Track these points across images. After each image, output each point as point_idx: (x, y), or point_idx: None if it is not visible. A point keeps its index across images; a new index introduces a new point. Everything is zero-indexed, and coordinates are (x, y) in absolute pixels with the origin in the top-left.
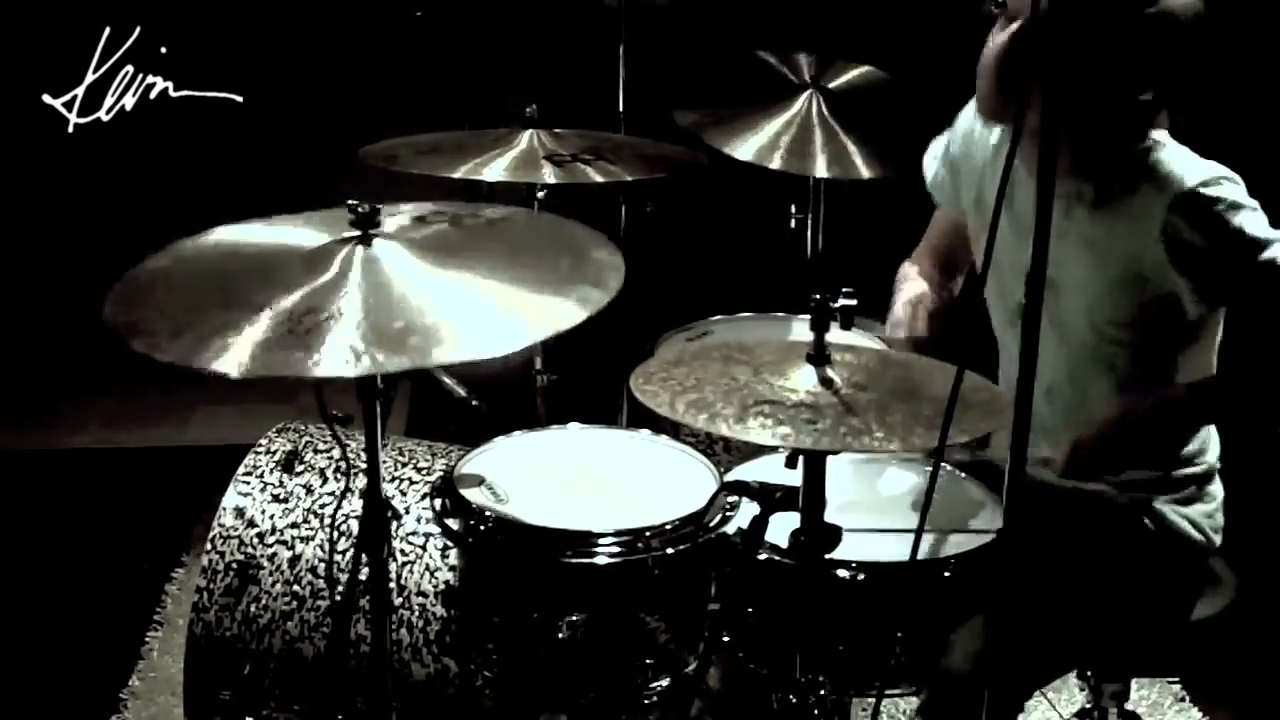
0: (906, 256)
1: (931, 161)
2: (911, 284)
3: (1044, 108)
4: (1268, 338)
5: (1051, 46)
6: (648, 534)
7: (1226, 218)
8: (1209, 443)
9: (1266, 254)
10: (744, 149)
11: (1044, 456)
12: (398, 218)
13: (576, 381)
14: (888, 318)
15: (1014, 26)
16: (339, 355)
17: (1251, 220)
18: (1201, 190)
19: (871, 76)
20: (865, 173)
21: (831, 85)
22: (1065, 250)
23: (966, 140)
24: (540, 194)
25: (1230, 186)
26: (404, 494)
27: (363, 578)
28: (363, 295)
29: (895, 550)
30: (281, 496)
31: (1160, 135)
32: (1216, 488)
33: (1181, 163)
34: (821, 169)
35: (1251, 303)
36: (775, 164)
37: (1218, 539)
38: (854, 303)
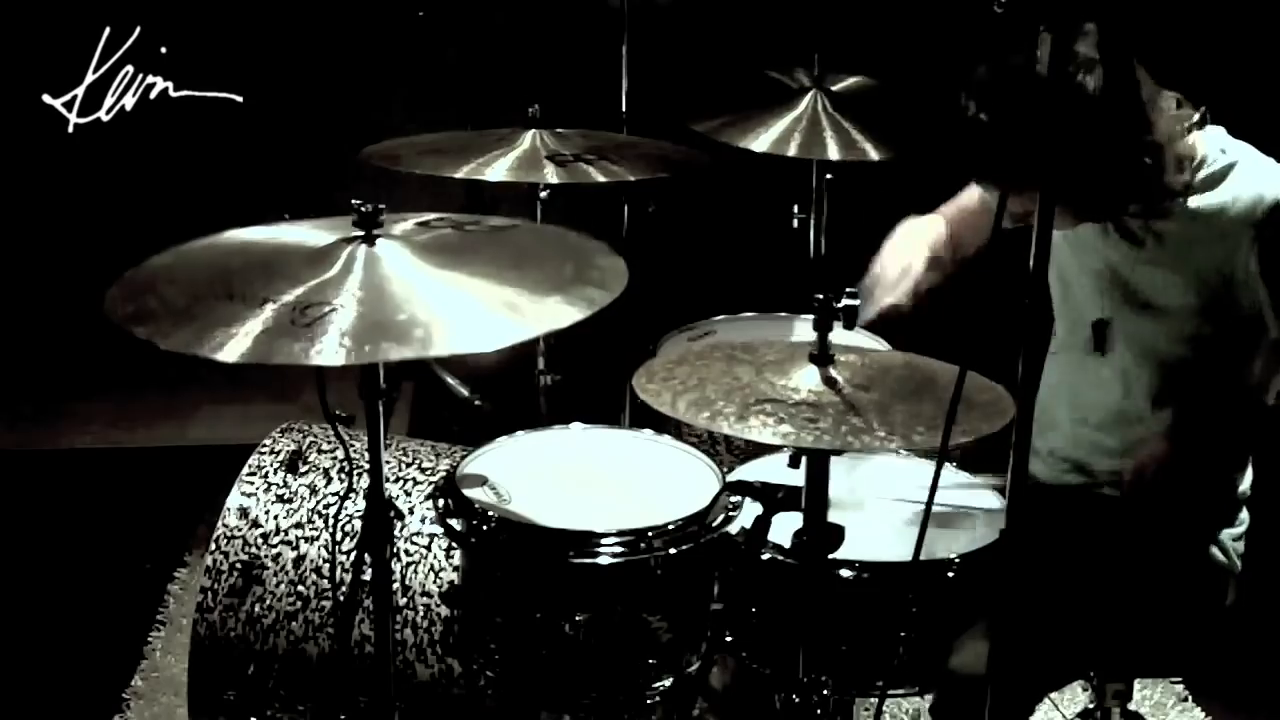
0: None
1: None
2: (915, 244)
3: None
4: None
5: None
6: (650, 534)
7: None
8: (1248, 466)
9: None
10: (758, 143)
11: (1111, 470)
12: (405, 223)
13: (579, 381)
14: (870, 269)
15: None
16: (333, 345)
17: None
18: None
19: (866, 84)
20: (874, 155)
21: (834, 88)
22: (1154, 271)
23: None
24: (543, 194)
25: None
26: (408, 494)
27: (366, 578)
28: (360, 290)
29: (899, 550)
30: (285, 497)
31: (1232, 144)
32: (1245, 514)
33: (1267, 172)
34: (834, 153)
35: None
36: (791, 151)
37: (1239, 564)
38: (857, 303)
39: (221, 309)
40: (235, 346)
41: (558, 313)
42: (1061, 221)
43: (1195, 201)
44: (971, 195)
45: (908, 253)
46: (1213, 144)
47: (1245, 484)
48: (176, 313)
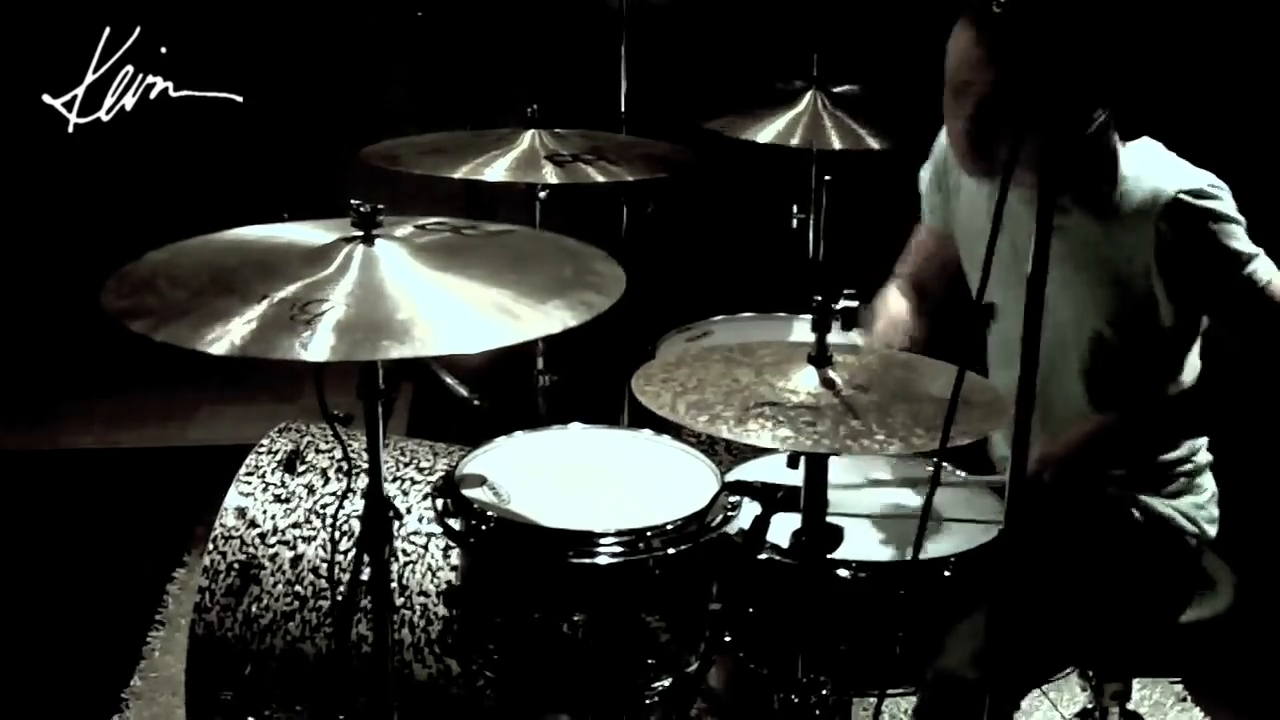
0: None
1: (925, 188)
2: (894, 303)
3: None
4: (1247, 352)
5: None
6: (649, 534)
7: (1212, 229)
8: (1196, 446)
9: (1248, 269)
10: (763, 135)
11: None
12: (405, 226)
13: (578, 381)
14: (870, 331)
15: (969, 107)
16: (327, 342)
17: (1236, 234)
18: (1189, 199)
19: (861, 90)
20: (873, 144)
21: (834, 90)
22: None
23: (951, 167)
24: (541, 194)
25: (1219, 198)
26: (406, 494)
27: (364, 578)
28: (353, 289)
29: (896, 550)
30: (283, 496)
31: (1146, 141)
32: (1207, 480)
33: (1171, 169)
34: (836, 142)
35: (1230, 318)
36: (795, 141)
37: (1212, 530)
38: (855, 304)
39: (218, 304)
40: (229, 340)
41: (553, 317)
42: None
43: (1104, 192)
44: (919, 239)
45: (894, 310)
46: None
47: (1201, 456)
48: (173, 306)
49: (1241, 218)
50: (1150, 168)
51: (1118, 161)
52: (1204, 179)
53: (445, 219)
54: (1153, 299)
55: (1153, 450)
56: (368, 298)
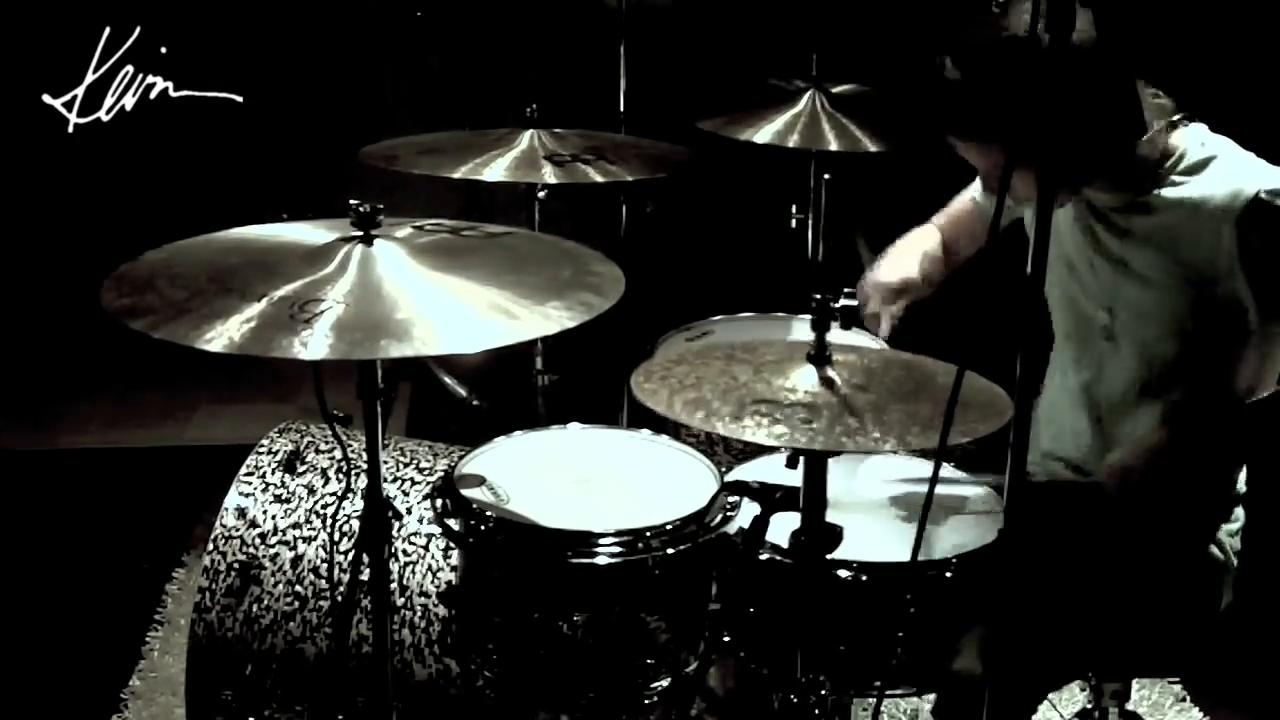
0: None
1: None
2: (911, 255)
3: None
4: None
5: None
6: (648, 534)
7: None
8: (1242, 467)
9: None
10: (760, 135)
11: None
12: (404, 228)
13: (577, 381)
14: (867, 277)
15: (992, 159)
16: (324, 341)
17: None
18: (1273, 199)
19: (860, 89)
20: (870, 147)
21: (833, 90)
22: (1122, 272)
23: None
24: (540, 194)
25: None
26: (406, 494)
27: (364, 578)
28: (352, 288)
29: (896, 550)
30: (283, 497)
31: (1212, 138)
32: (1240, 511)
33: (1246, 164)
34: (833, 144)
35: None
36: (792, 142)
37: (1235, 561)
38: (855, 303)
39: (217, 302)
40: (228, 337)
41: (551, 318)
42: (1025, 189)
43: (1174, 193)
44: (963, 200)
45: (905, 265)
46: (1193, 139)
47: (1241, 481)
48: (172, 305)
49: None
50: (1229, 164)
51: (1183, 157)
52: None
53: (443, 220)
54: (1237, 301)
55: (1224, 466)
56: (366, 297)
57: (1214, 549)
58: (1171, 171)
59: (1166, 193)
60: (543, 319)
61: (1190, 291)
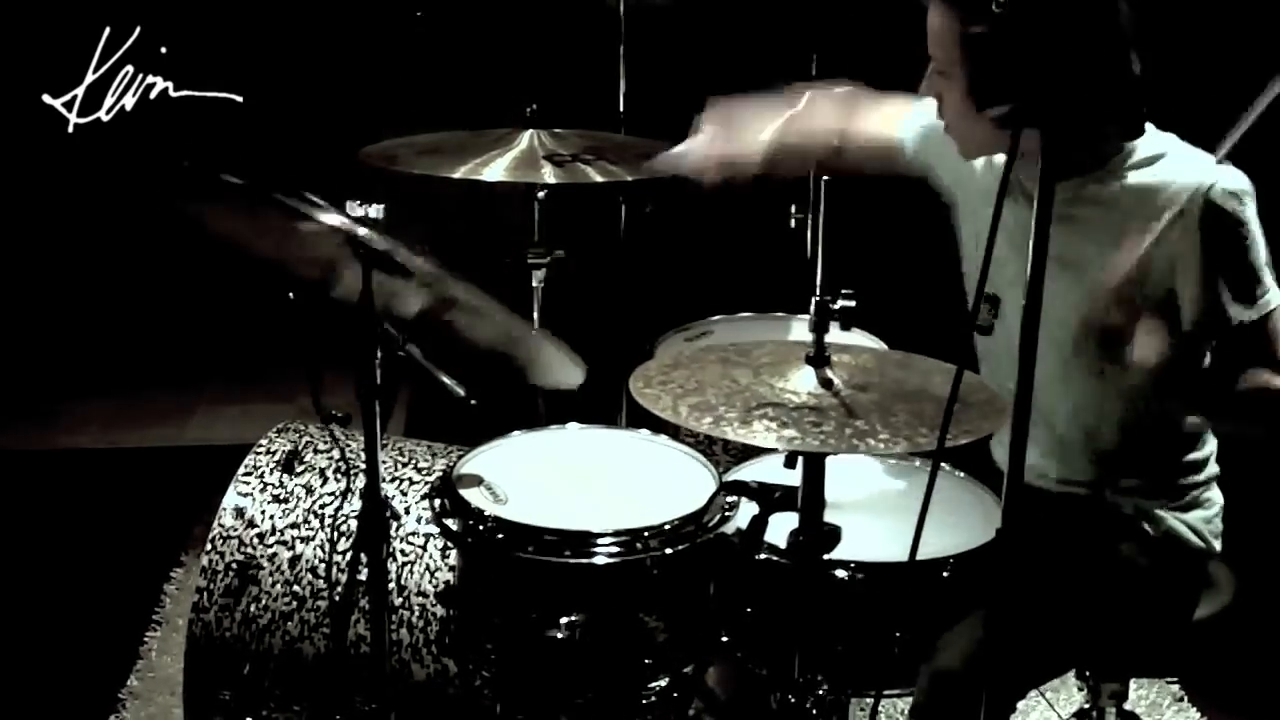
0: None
1: (919, 131)
2: (810, 115)
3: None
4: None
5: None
6: (646, 534)
7: (1243, 236)
8: (1210, 451)
9: (1262, 299)
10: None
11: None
12: None
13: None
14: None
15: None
16: None
17: (1259, 249)
18: (1222, 201)
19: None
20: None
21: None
22: (1085, 240)
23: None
24: (540, 194)
25: (1249, 203)
26: (404, 494)
27: (362, 578)
28: None
29: (894, 550)
30: (281, 497)
31: (1159, 134)
32: (1215, 494)
33: (1199, 160)
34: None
35: (1234, 347)
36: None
37: (1217, 544)
38: (854, 303)
39: None
40: None
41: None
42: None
43: (1132, 178)
44: (890, 126)
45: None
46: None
47: (1212, 464)
48: None
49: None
50: (1184, 158)
51: (1135, 155)
52: (1235, 177)
53: None
54: (1174, 293)
55: (1169, 455)
56: None
57: (1191, 535)
58: (1122, 165)
59: (1115, 186)
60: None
61: (1135, 272)
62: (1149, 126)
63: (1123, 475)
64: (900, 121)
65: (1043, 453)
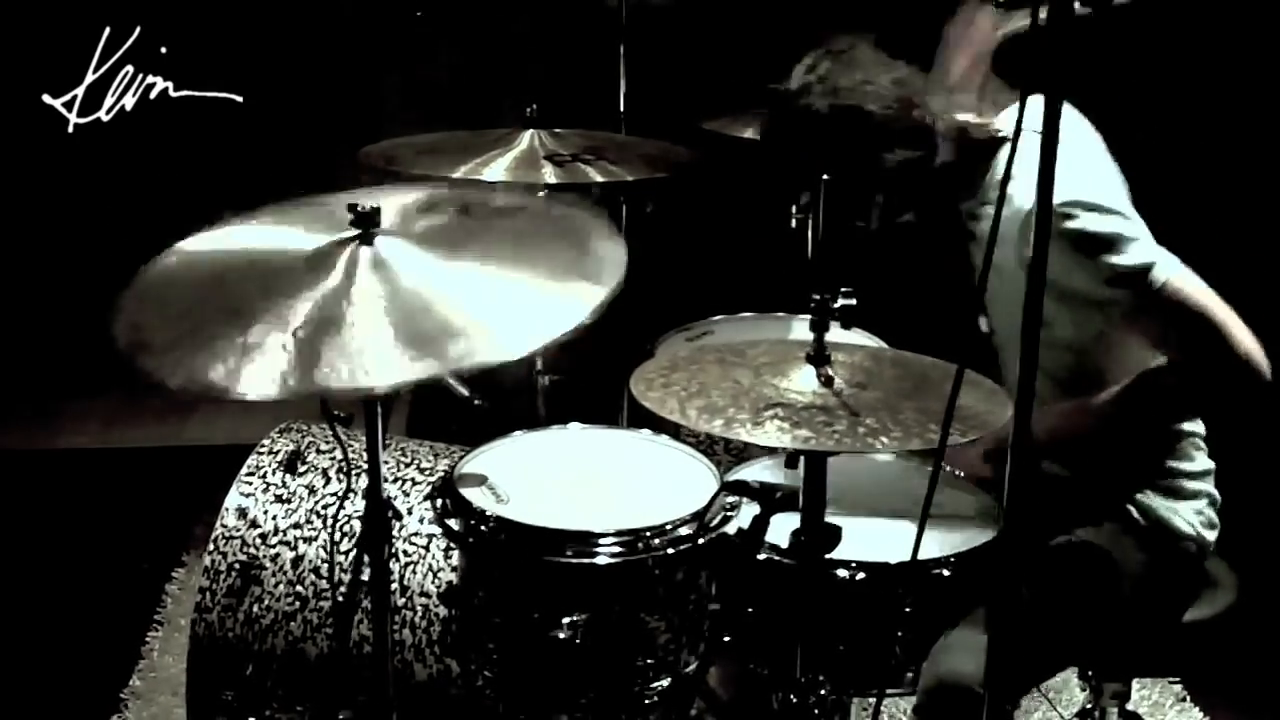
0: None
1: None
2: None
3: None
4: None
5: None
6: (648, 534)
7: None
8: (1198, 445)
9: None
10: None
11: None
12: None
13: (577, 381)
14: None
15: None
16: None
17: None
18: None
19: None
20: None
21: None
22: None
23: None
24: (541, 194)
25: (1076, 216)
26: (406, 494)
27: (365, 578)
28: (383, 301)
29: (895, 550)
30: (284, 497)
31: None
32: (1208, 486)
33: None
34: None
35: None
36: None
37: (1211, 535)
38: (854, 302)
39: (232, 342)
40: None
41: (585, 293)
42: None
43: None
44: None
45: None
46: (1007, 123)
47: (1200, 463)
48: (183, 343)
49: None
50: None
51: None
52: (1067, 192)
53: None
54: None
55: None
56: (403, 306)
57: (1184, 525)
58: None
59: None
60: (582, 296)
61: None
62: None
63: (1118, 464)
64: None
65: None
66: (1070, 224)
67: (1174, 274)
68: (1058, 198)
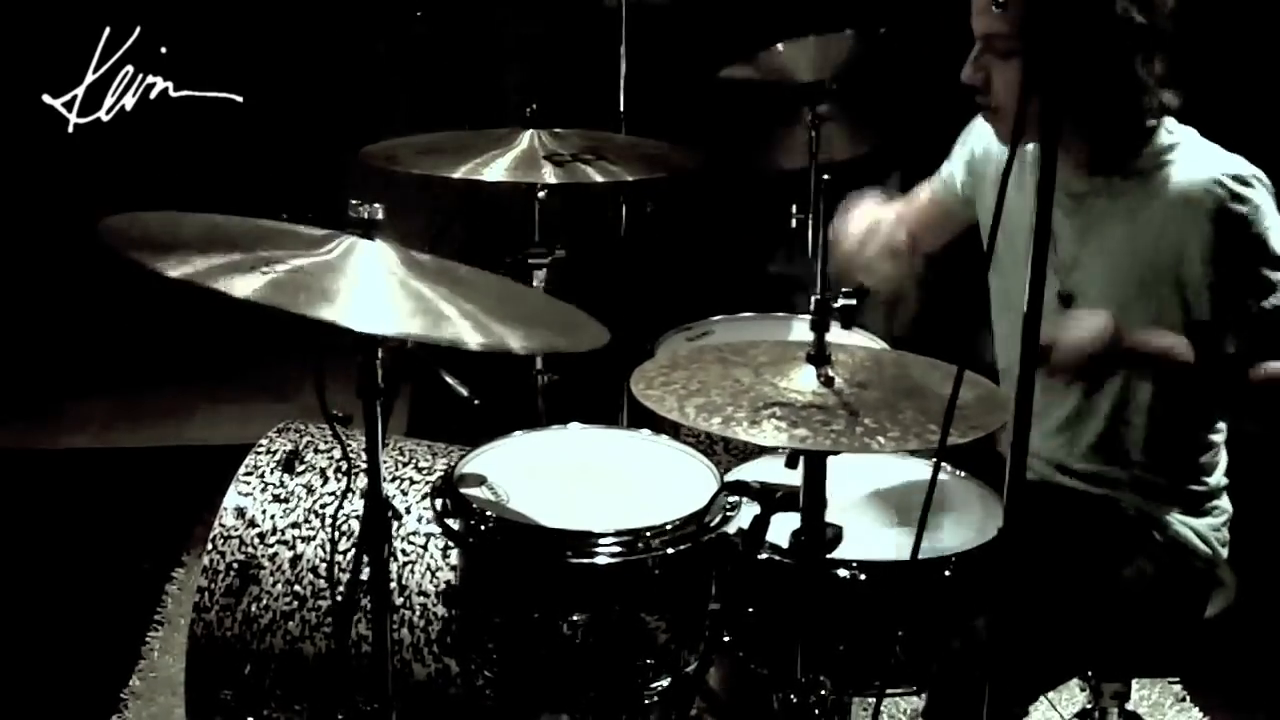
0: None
1: (955, 161)
2: (871, 210)
3: (1044, 105)
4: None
5: (1047, 46)
6: (648, 534)
7: (1254, 225)
8: (1219, 458)
9: (1270, 301)
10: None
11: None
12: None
13: (577, 381)
14: (837, 221)
15: (1015, 62)
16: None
17: (1272, 239)
18: (1231, 190)
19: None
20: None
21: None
22: (1087, 253)
23: (984, 158)
24: (540, 194)
25: (1262, 192)
26: (405, 494)
27: (364, 577)
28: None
29: (896, 550)
30: (282, 496)
31: (1179, 126)
32: (1224, 503)
33: (1214, 154)
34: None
35: (1243, 337)
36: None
37: (1224, 552)
38: (854, 302)
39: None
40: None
41: (493, 334)
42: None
43: (1150, 169)
44: (922, 194)
45: (871, 230)
46: (1161, 129)
47: (1221, 471)
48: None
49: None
50: (1199, 152)
51: (1155, 145)
52: (1244, 165)
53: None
54: (1181, 286)
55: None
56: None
57: (1198, 542)
58: (1138, 159)
59: (1135, 180)
60: (475, 331)
61: (1148, 273)
62: (1169, 120)
63: (1144, 473)
64: (938, 176)
65: (1070, 446)
66: (1255, 200)
67: None
68: (1249, 171)
